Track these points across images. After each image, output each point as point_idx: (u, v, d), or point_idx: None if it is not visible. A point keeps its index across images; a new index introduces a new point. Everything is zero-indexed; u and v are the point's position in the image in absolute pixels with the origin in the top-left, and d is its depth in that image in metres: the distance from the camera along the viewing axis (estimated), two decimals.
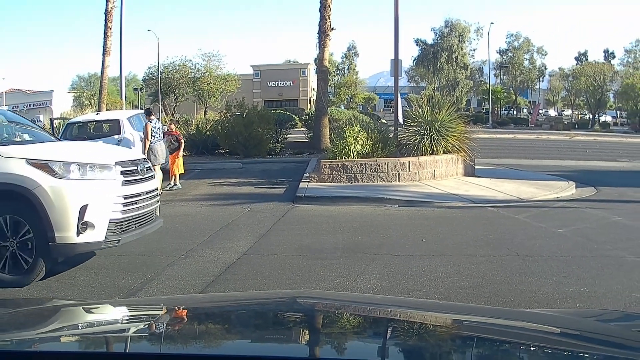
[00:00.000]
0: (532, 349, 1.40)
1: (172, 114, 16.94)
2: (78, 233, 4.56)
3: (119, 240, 4.81)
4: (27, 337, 1.42)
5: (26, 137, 5.86)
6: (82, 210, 4.56)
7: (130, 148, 9.85)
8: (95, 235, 4.65)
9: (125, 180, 4.97)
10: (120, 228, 4.89)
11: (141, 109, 20.29)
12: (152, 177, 5.55)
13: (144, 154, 9.24)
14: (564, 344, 1.46)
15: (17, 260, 4.61)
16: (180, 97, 42.46)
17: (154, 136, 10.53)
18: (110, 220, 4.74)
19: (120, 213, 4.85)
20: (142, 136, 10.74)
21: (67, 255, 4.82)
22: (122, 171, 4.95)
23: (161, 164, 10.47)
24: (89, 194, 4.64)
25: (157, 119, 12.41)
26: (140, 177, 5.22)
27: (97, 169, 4.79)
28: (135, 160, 5.34)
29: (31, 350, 1.29)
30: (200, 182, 12.00)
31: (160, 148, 10.55)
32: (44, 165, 4.59)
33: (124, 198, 4.91)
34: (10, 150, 4.88)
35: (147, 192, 5.28)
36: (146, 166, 5.45)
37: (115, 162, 4.96)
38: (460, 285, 4.56)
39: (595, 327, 1.70)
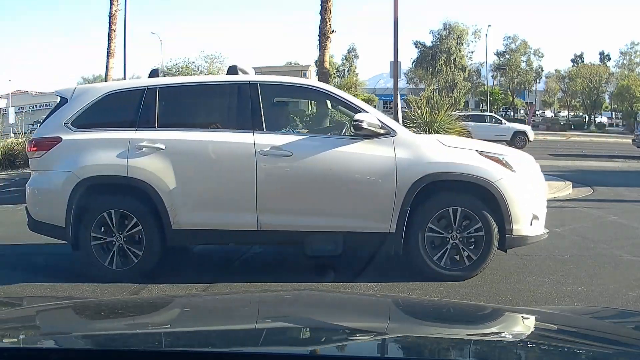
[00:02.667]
0: (529, 345, 1.44)
1: None
2: (530, 225, 4.61)
3: (547, 232, 4.88)
4: (27, 335, 1.43)
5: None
6: (534, 202, 4.65)
7: None
8: (540, 227, 4.71)
9: None
10: None
11: None
12: None
13: None
14: (562, 341, 1.49)
15: (458, 253, 4.57)
16: None
17: None
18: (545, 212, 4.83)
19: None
20: None
21: (517, 246, 4.82)
22: None
23: None
24: (536, 186, 4.75)
25: None
26: None
27: (528, 163, 4.87)
28: None
29: (33, 347, 1.30)
30: None
31: None
32: (497, 159, 4.61)
33: None
34: (452, 141, 5.01)
35: None
36: None
37: None
38: (459, 284, 4.59)
39: (592, 325, 1.74)
